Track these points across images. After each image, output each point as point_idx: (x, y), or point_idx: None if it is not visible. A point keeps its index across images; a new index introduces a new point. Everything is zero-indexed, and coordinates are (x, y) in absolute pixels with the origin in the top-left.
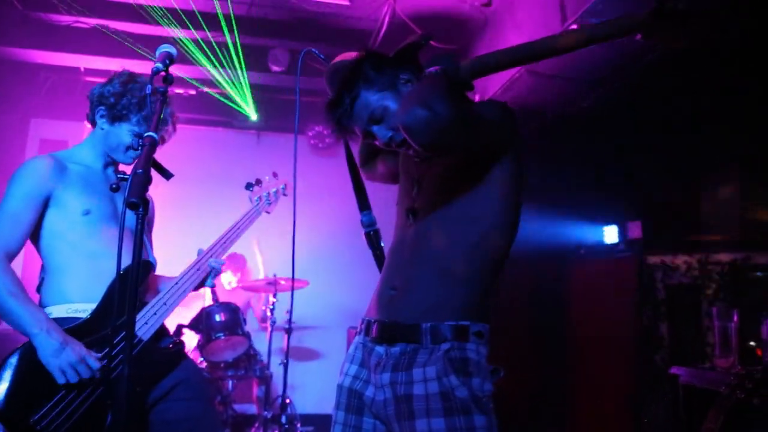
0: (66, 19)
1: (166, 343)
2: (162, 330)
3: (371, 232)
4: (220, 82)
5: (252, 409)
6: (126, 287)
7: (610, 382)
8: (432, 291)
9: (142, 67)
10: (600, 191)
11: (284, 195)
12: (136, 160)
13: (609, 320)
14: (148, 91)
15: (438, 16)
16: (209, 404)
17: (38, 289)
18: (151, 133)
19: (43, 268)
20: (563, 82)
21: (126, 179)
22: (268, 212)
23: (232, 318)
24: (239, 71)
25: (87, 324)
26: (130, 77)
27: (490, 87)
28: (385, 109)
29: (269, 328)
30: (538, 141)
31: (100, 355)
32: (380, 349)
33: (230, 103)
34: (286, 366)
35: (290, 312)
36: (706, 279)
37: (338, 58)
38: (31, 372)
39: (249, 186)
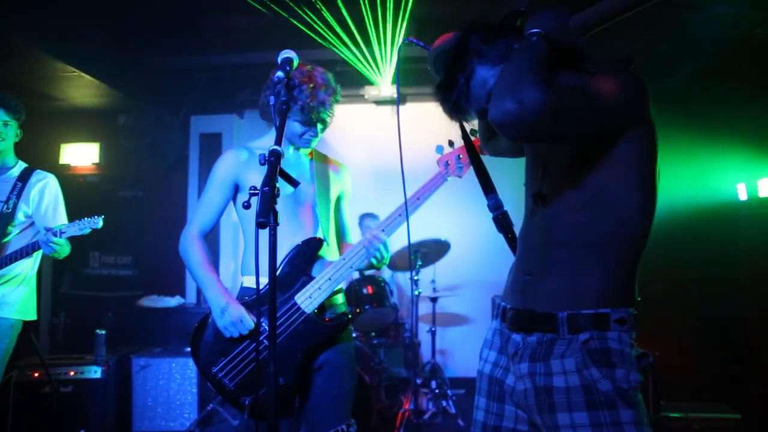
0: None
1: (330, 316)
2: (330, 304)
3: (499, 216)
4: (352, 60)
5: (403, 373)
6: (293, 263)
7: None
8: (567, 278)
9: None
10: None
11: (482, 153)
12: (263, 177)
13: None
14: (271, 103)
15: None
16: (342, 394)
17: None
18: (275, 147)
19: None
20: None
21: (256, 194)
22: (459, 176)
23: (379, 291)
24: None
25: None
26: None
27: None
28: None
29: (414, 298)
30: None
31: (256, 319)
32: (517, 337)
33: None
34: (434, 333)
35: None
36: None
37: (439, 41)
38: (215, 333)
39: (440, 149)
